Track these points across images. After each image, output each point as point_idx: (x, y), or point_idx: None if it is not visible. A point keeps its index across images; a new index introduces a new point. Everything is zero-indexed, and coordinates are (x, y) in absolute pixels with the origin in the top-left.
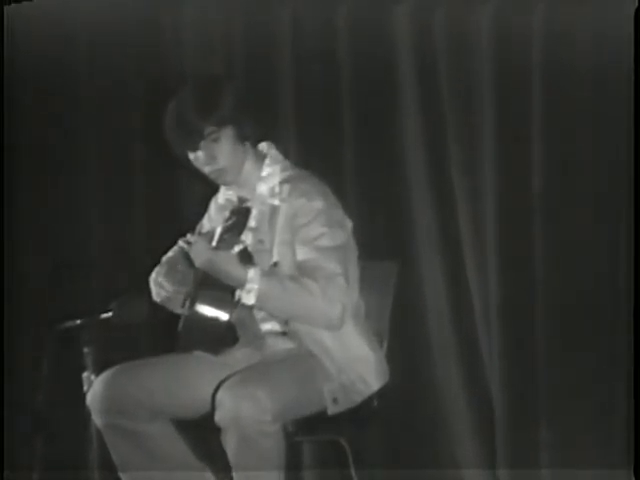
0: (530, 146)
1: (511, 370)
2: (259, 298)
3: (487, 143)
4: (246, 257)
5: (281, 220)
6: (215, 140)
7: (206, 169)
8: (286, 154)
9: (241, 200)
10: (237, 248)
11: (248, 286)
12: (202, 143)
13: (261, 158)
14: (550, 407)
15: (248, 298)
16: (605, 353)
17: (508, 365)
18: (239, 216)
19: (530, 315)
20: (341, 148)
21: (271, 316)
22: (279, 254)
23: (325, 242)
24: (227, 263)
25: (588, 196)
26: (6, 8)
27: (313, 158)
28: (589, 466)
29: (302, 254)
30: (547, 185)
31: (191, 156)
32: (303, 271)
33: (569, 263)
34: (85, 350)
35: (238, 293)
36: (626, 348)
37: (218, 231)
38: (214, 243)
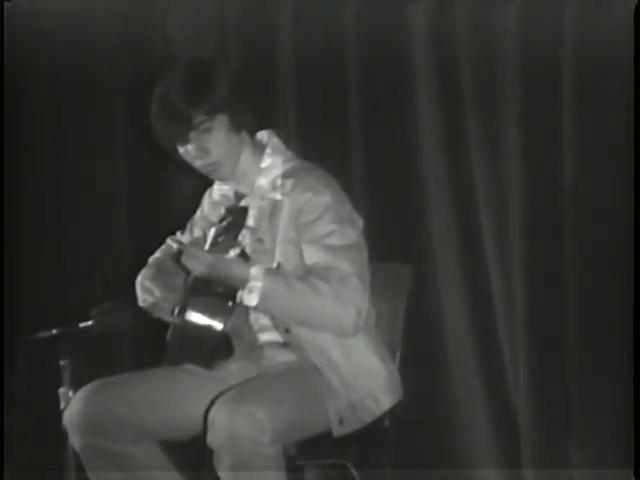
0: (557, 139)
1: (539, 384)
2: (262, 298)
3: (510, 137)
4: (244, 260)
5: (284, 217)
6: (207, 130)
7: (197, 163)
8: (287, 146)
9: (238, 196)
10: (233, 252)
11: (250, 285)
12: (192, 134)
13: (260, 148)
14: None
15: (250, 298)
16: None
17: (536, 378)
18: (235, 216)
19: (560, 322)
20: (349, 139)
21: (271, 325)
22: (282, 255)
23: (336, 240)
24: (226, 265)
25: (616, 195)
26: (6, 4)
27: (317, 150)
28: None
29: (310, 255)
30: (576, 181)
31: (181, 149)
32: (312, 272)
33: (601, 264)
34: (62, 363)
35: (240, 294)
36: (627, 347)
37: (212, 233)
38: (207, 246)
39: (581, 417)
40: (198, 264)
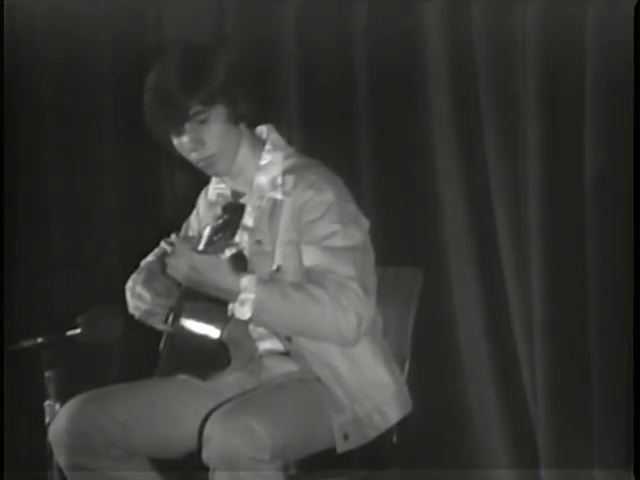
0: (575, 138)
1: (559, 394)
2: (256, 311)
3: (527, 136)
4: (241, 262)
5: (285, 217)
6: (203, 121)
7: (193, 156)
8: (289, 141)
9: (236, 194)
10: (229, 252)
11: (242, 297)
12: (187, 125)
13: (260, 144)
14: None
15: (242, 312)
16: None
17: (555, 391)
18: (231, 214)
19: (581, 330)
20: (355, 134)
21: (270, 333)
22: (283, 257)
23: (337, 242)
24: (214, 270)
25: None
26: (5, 3)
27: (321, 146)
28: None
29: (310, 257)
30: (596, 181)
31: (175, 141)
32: (311, 277)
33: (619, 265)
34: (47, 374)
35: (231, 306)
36: (627, 347)
37: (206, 232)
38: (201, 246)
39: (594, 417)
40: (179, 264)
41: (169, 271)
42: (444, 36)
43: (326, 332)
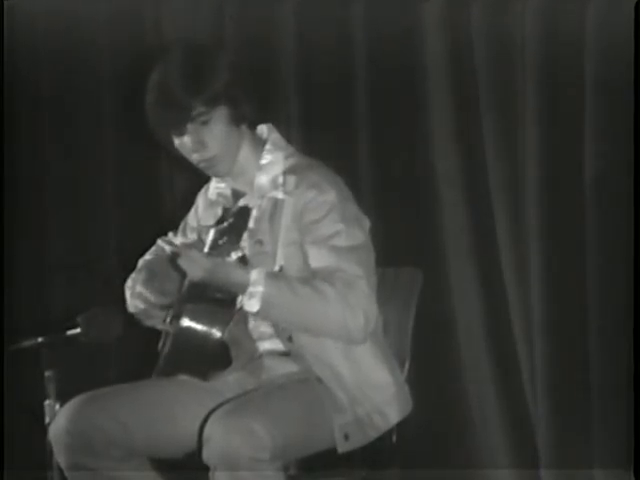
0: (575, 137)
1: (558, 396)
2: (264, 304)
3: (526, 135)
4: (243, 264)
5: (286, 217)
6: (205, 123)
7: (194, 157)
8: (288, 141)
9: (236, 194)
10: (235, 255)
11: (251, 290)
12: (190, 126)
13: (260, 143)
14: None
15: (251, 304)
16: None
17: (555, 391)
18: (236, 217)
19: (581, 330)
20: (355, 135)
21: (272, 333)
22: (285, 257)
23: (342, 241)
24: (225, 270)
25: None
26: (5, 3)
27: (321, 146)
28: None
29: (315, 257)
30: (595, 180)
31: (176, 141)
32: (317, 275)
33: (619, 266)
34: (47, 374)
35: (239, 299)
36: (627, 347)
37: (211, 235)
38: (206, 249)
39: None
40: (196, 268)
41: (188, 273)
42: (443, 36)
43: (333, 329)
